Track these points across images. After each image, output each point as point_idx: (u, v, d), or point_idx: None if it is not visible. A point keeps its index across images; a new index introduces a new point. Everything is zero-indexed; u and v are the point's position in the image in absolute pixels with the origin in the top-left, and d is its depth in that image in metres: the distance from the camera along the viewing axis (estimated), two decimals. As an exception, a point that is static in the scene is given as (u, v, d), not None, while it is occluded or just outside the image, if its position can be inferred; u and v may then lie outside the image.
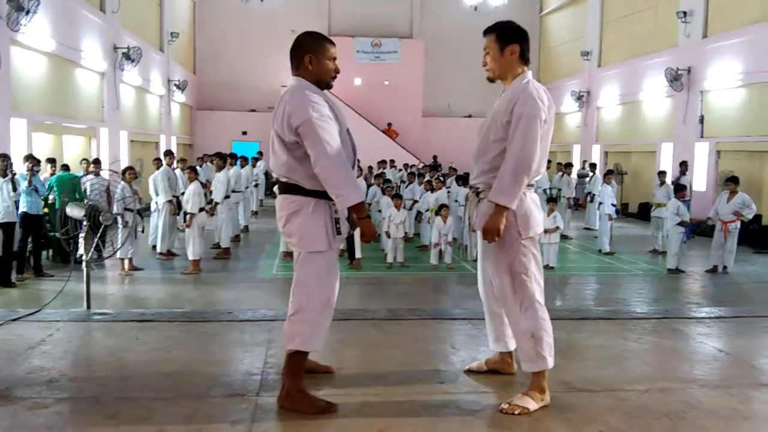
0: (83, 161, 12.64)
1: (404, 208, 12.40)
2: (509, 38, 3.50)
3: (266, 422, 3.20)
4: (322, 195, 3.29)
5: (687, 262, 11.51)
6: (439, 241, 11.19)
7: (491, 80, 3.61)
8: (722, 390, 3.74)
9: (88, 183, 10.21)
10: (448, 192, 13.10)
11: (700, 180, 16.89)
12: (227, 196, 12.32)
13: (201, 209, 10.72)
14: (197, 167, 13.94)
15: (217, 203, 12.01)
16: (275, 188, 3.60)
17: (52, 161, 11.76)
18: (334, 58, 3.48)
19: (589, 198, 17.47)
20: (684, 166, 16.03)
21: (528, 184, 3.49)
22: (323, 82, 3.45)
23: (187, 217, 10.60)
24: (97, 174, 10.92)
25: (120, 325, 4.91)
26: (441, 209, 11.31)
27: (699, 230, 14.14)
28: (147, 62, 19.71)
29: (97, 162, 12.47)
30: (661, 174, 13.99)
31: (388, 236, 11.31)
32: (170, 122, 23.54)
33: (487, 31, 3.56)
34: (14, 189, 9.19)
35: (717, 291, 10.10)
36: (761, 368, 4.21)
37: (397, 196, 12.01)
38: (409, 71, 27.86)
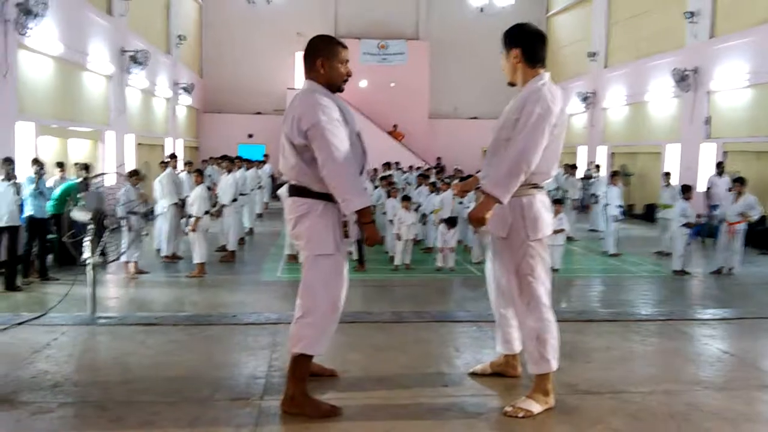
0: (75, 165, 12.65)
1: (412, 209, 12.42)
2: (510, 43, 3.52)
3: (270, 426, 3.20)
4: (331, 198, 3.30)
5: (692, 263, 11.47)
6: (443, 246, 11.21)
7: (510, 84, 3.61)
8: (727, 392, 3.73)
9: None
10: (454, 195, 13.09)
11: (706, 181, 16.81)
12: (234, 200, 12.37)
13: (206, 212, 10.74)
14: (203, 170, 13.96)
15: (223, 205, 12.05)
16: (279, 191, 3.62)
17: (60, 165, 11.84)
18: (346, 62, 3.49)
19: (593, 199, 17.44)
20: (720, 168, 15.12)
21: (538, 186, 3.49)
22: (335, 85, 3.46)
23: (191, 220, 10.62)
24: (85, 179, 10.92)
25: (125, 328, 4.93)
26: (448, 221, 11.29)
27: (708, 231, 14.07)
28: (154, 65, 19.78)
29: (86, 167, 12.44)
30: (667, 175, 13.95)
31: (399, 238, 11.33)
32: (176, 125, 23.63)
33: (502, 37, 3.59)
34: (17, 193, 9.23)
35: (722, 293, 10.08)
36: (766, 370, 4.20)
37: (406, 198, 12.03)
38: (415, 73, 27.89)
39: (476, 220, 3.36)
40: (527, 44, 3.50)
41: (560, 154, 3.58)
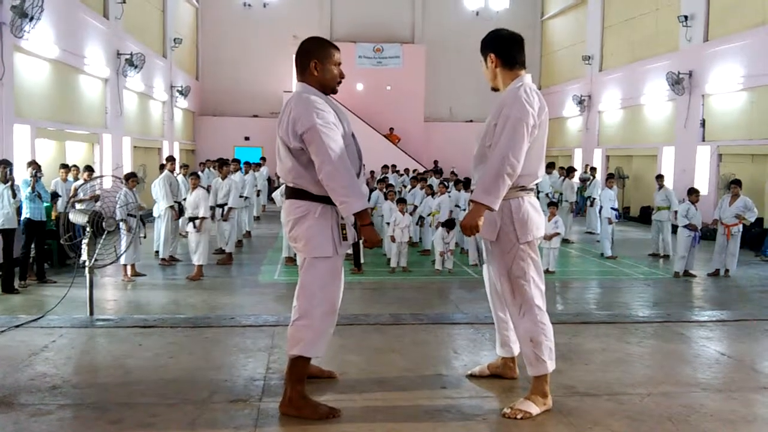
0: (70, 167, 12.63)
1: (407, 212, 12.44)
2: (485, 49, 3.59)
3: (269, 428, 3.20)
4: (329, 200, 3.29)
5: (688, 265, 11.45)
6: (444, 249, 11.22)
7: (494, 89, 3.64)
8: (725, 393, 3.74)
9: (80, 189, 10.27)
10: (449, 196, 13.13)
11: (702, 184, 16.89)
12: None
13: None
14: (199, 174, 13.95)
15: (231, 208, 12.03)
16: (273, 194, 3.63)
17: (65, 167, 11.92)
18: (339, 64, 3.49)
19: (588, 202, 17.49)
20: None
21: (527, 188, 3.49)
22: (328, 87, 3.46)
23: (197, 221, 10.57)
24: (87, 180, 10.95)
25: (123, 331, 4.91)
26: (446, 224, 11.30)
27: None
28: (150, 68, 19.78)
29: (89, 169, 12.45)
30: (659, 178, 13.98)
31: (393, 240, 11.33)
32: (173, 128, 23.61)
33: None
34: (14, 196, 9.19)
35: (719, 294, 10.10)
36: (763, 371, 4.21)
37: (401, 201, 12.04)
38: (411, 76, 27.91)
39: (468, 228, 3.37)
40: (502, 48, 3.54)
41: (544, 154, 3.59)
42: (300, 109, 3.27)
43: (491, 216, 3.42)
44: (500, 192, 3.30)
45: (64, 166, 12.06)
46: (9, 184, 9.19)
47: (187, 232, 10.87)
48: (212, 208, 12.05)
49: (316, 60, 3.41)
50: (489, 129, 3.47)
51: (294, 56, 3.50)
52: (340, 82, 3.51)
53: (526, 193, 3.49)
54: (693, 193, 11.43)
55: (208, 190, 11.69)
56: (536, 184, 3.59)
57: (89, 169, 12.34)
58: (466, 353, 4.45)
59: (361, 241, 3.45)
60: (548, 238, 11.00)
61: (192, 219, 10.65)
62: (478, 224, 3.35)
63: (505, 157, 3.27)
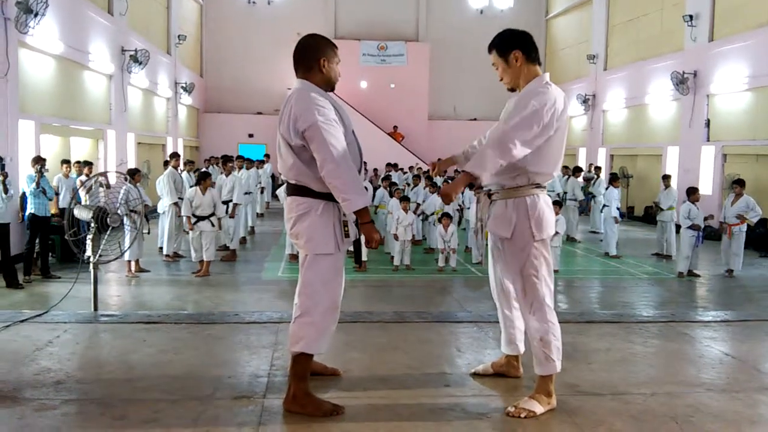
0: (72, 163, 12.60)
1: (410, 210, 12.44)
2: (509, 46, 3.51)
3: (273, 424, 3.20)
4: (330, 197, 3.29)
5: (692, 265, 11.43)
6: (445, 246, 11.22)
7: (512, 90, 3.60)
8: (729, 394, 3.73)
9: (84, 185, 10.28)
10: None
11: (706, 183, 16.86)
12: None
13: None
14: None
15: (236, 204, 12.03)
16: (278, 191, 3.63)
17: (66, 162, 11.91)
18: (339, 62, 3.52)
19: (592, 201, 17.48)
20: None
21: (541, 186, 3.48)
22: (331, 85, 3.48)
23: (214, 219, 10.57)
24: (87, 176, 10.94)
25: (127, 326, 4.92)
26: (442, 218, 11.32)
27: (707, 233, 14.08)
28: (154, 65, 19.79)
29: (88, 164, 12.44)
30: (666, 178, 13.96)
31: (397, 238, 11.33)
32: (177, 124, 23.61)
33: (489, 49, 3.59)
34: (5, 191, 9.14)
35: (723, 294, 10.08)
36: (767, 372, 4.20)
37: (404, 199, 12.03)
38: (415, 74, 27.88)
39: (444, 195, 3.39)
40: (525, 44, 3.52)
41: (563, 156, 3.58)
42: (301, 106, 3.28)
43: (506, 213, 3.42)
44: (488, 164, 3.27)
45: (66, 162, 12.05)
46: (1, 179, 9.13)
47: (189, 230, 10.82)
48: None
49: (325, 58, 3.43)
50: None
51: (294, 53, 3.50)
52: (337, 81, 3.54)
53: (541, 191, 3.49)
54: (693, 192, 11.32)
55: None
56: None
57: (88, 164, 12.34)
58: (470, 351, 4.46)
59: (362, 238, 3.44)
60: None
61: (200, 218, 10.54)
62: (452, 194, 3.34)
63: (506, 133, 3.27)
